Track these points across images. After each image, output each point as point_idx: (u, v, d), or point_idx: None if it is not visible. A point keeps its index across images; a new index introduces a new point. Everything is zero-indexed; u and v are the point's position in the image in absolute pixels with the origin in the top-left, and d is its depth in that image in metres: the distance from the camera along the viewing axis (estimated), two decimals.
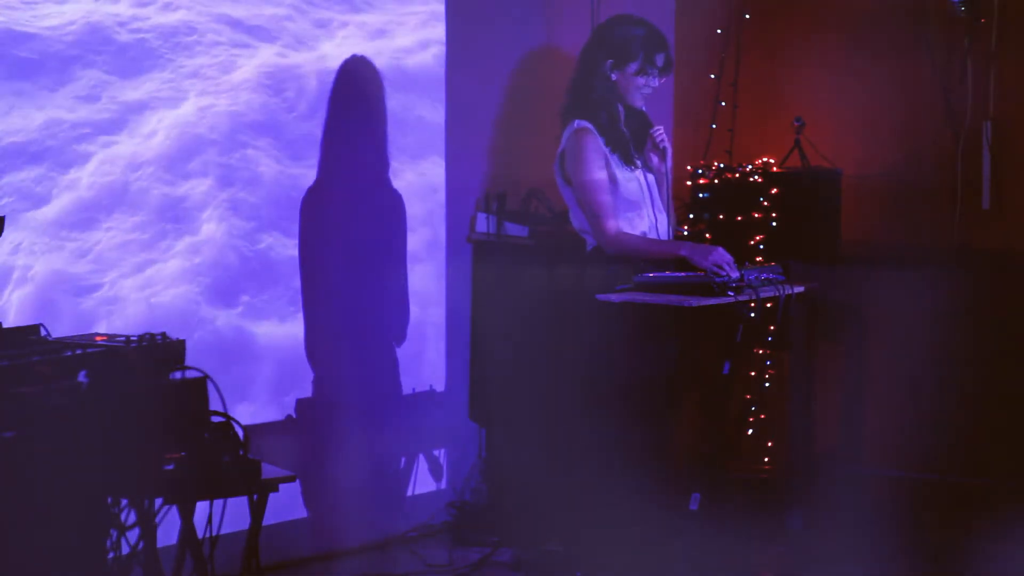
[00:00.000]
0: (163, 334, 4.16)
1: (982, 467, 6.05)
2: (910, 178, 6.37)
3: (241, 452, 4.22)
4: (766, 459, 6.52)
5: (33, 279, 4.90)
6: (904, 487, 6.09)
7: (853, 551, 5.60)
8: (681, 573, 5.11)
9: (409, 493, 6.03)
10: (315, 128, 5.67)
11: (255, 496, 4.32)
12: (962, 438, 6.13)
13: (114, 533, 4.10)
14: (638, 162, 5.14)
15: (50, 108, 4.94)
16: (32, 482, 3.81)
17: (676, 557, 5.10)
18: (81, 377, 3.94)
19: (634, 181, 5.10)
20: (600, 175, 5.03)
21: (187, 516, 4.23)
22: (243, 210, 5.46)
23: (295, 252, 5.61)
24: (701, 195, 6.14)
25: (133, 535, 4.16)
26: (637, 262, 4.99)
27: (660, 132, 5.13)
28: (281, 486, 4.33)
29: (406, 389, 6.00)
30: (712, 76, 6.67)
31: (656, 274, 4.93)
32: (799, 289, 5.20)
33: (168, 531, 4.33)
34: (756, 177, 6.11)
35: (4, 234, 4.48)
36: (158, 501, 4.18)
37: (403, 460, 6.04)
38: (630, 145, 5.14)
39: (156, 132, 5.22)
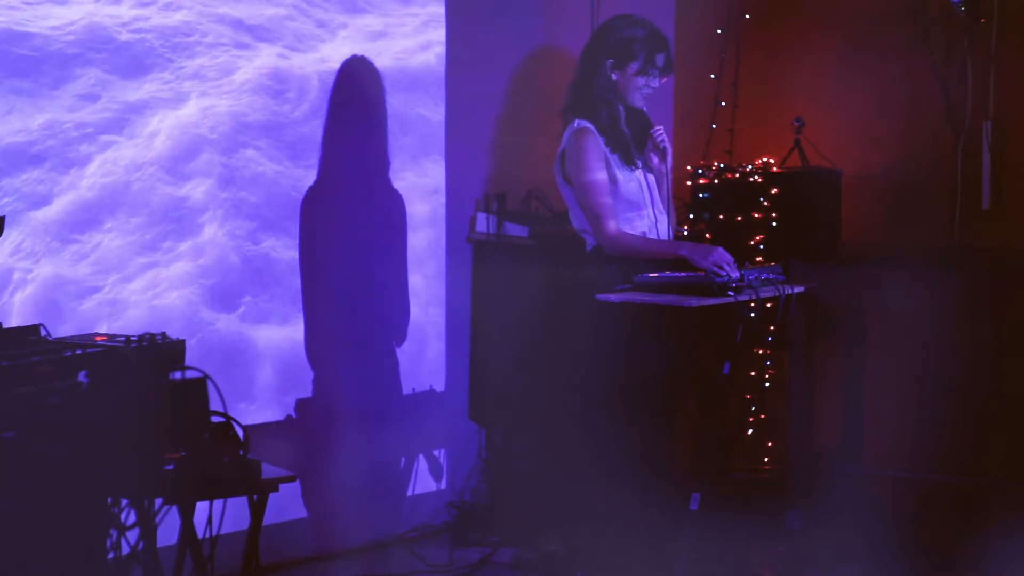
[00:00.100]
0: (163, 334, 4.16)
1: (982, 467, 6.05)
2: (910, 178, 6.38)
3: (241, 452, 4.22)
4: (766, 459, 6.53)
5: (34, 281, 4.90)
6: (904, 487, 6.09)
7: (853, 551, 5.60)
8: (681, 573, 5.11)
9: (409, 493, 6.04)
10: (316, 128, 5.67)
11: (255, 496, 4.32)
12: (962, 438, 6.13)
13: (114, 533, 4.10)
14: (638, 162, 5.14)
15: (51, 108, 4.95)
16: (32, 482, 3.81)
17: (676, 557, 5.11)
18: (81, 377, 3.95)
19: (634, 181, 5.10)
20: (600, 175, 5.04)
21: (187, 516, 4.23)
22: (244, 211, 5.46)
23: (296, 252, 5.61)
24: (701, 195, 6.15)
25: (133, 535, 4.16)
26: (637, 262, 4.99)
27: (660, 132, 5.14)
28: (281, 486, 4.33)
29: (406, 389, 6.00)
30: (712, 76, 6.68)
31: (656, 274, 4.93)
32: (799, 289, 5.21)
33: (168, 531, 4.34)
34: (756, 177, 6.12)
35: (5, 235, 4.49)
36: (158, 501, 4.19)
37: (403, 460, 6.04)
38: (631, 145, 5.14)
39: (157, 133, 5.22)
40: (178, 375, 4.17)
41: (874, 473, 6.21)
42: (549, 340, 5.83)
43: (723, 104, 6.67)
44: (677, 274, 4.92)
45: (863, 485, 6.13)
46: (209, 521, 4.26)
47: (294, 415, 5.63)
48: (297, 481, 4.84)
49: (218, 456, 4.18)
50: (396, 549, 5.86)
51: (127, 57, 5.13)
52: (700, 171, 6.19)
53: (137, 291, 5.16)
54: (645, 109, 5.18)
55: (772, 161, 6.26)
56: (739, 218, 6.10)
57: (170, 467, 4.14)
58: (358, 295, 5.81)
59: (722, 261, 4.92)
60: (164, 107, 5.24)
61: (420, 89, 6.04)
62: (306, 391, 5.66)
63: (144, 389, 4.05)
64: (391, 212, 5.93)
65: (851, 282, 6.01)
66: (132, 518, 4.16)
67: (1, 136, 4.82)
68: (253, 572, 4.41)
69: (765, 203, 6.09)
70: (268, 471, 4.33)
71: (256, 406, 5.49)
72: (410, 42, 6.00)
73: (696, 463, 5.43)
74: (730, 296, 4.88)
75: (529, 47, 6.37)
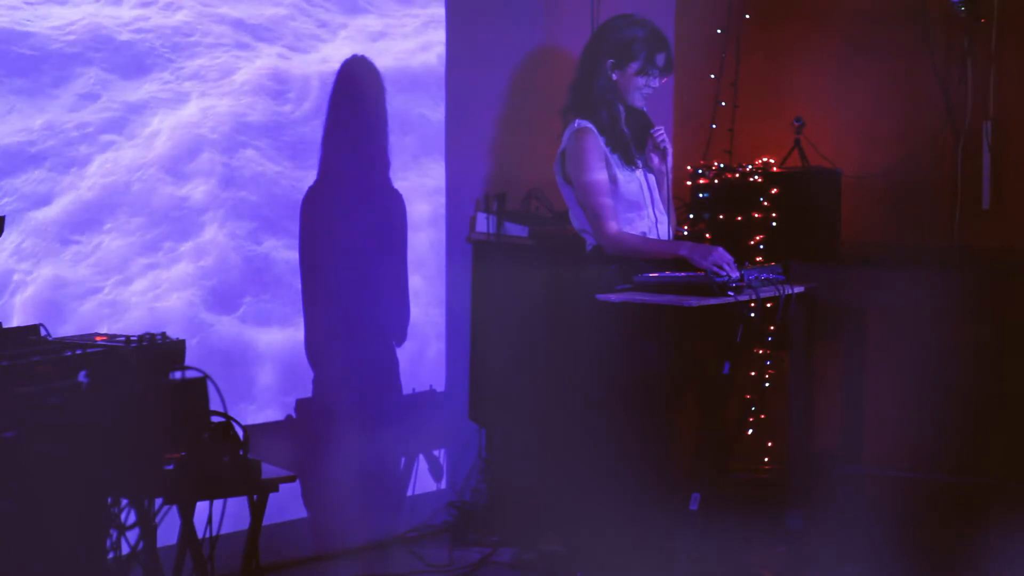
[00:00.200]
0: (163, 334, 4.16)
1: (982, 467, 6.05)
2: (910, 178, 6.38)
3: (241, 452, 4.22)
4: (766, 459, 6.53)
5: (34, 282, 4.90)
6: (904, 487, 6.09)
7: (853, 551, 5.60)
8: (681, 573, 5.11)
9: (409, 493, 6.04)
10: (316, 128, 5.67)
11: (255, 496, 4.32)
12: (962, 438, 6.13)
13: (114, 533, 4.10)
14: (639, 162, 5.14)
15: (51, 108, 4.95)
16: (32, 482, 3.81)
17: (676, 557, 5.10)
18: (81, 377, 3.95)
19: (635, 181, 5.10)
20: (601, 176, 5.04)
21: (187, 516, 4.23)
22: (245, 211, 5.46)
23: (296, 253, 5.61)
24: (701, 195, 6.15)
25: (133, 535, 4.16)
26: (637, 262, 4.99)
27: (661, 132, 5.14)
28: (281, 486, 4.33)
29: (406, 389, 6.00)
30: (712, 76, 6.68)
31: (656, 274, 4.93)
32: (799, 289, 5.21)
33: (168, 531, 4.34)
34: (756, 177, 6.12)
35: (5, 235, 4.49)
36: (158, 501, 4.19)
37: (403, 460, 6.04)
38: (631, 145, 5.14)
39: (157, 133, 5.22)
40: (178, 375, 4.17)
41: (874, 473, 6.21)
42: (549, 340, 5.83)
43: (723, 104, 6.67)
44: (677, 274, 4.92)
45: (863, 485, 6.13)
46: (209, 521, 4.26)
47: (294, 415, 5.63)
48: (297, 481, 4.84)
49: (218, 456, 4.19)
50: (396, 549, 5.86)
51: (127, 57, 5.14)
52: (700, 171, 6.19)
53: (138, 292, 5.16)
54: (645, 109, 5.18)
55: (772, 161, 6.26)
56: (739, 218, 6.10)
57: (170, 467, 4.14)
58: (358, 295, 5.81)
59: (722, 261, 4.92)
60: (164, 107, 5.24)
61: (420, 89, 6.04)
62: (306, 391, 5.66)
63: (144, 389, 4.05)
64: (391, 212, 5.93)
65: (851, 282, 6.01)
66: (132, 518, 4.16)
67: (1, 136, 4.82)
68: (253, 572, 4.41)
69: (765, 203, 6.09)
70: (268, 471, 4.33)
71: (256, 406, 5.49)
72: (410, 42, 6.00)
73: (696, 463, 5.43)
74: (730, 296, 4.88)
75: (529, 47, 6.37)
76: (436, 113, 6.10)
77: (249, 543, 4.37)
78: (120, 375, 4.01)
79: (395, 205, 5.94)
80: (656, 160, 5.15)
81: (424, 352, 6.09)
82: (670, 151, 5.16)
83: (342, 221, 5.74)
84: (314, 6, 5.68)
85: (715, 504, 5.25)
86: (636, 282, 4.93)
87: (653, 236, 5.11)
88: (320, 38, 5.70)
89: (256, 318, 5.49)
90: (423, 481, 6.10)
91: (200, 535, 4.25)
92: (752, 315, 5.25)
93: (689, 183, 6.19)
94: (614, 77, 5.11)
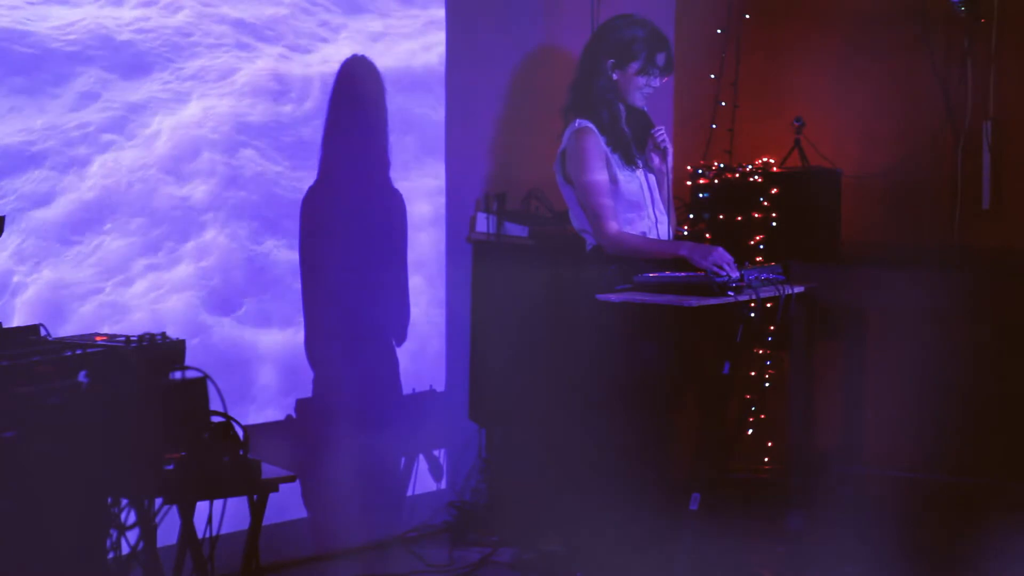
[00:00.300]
0: (163, 334, 4.16)
1: (982, 467, 6.05)
2: (910, 178, 6.38)
3: (241, 452, 4.22)
4: (766, 459, 6.53)
5: (35, 283, 4.90)
6: (904, 487, 6.09)
7: (853, 551, 5.60)
8: (681, 573, 5.11)
9: (409, 493, 6.04)
10: (316, 129, 5.67)
11: (255, 496, 4.33)
12: (962, 438, 6.13)
13: (114, 533, 4.10)
14: (639, 162, 5.15)
15: (52, 108, 4.95)
16: (32, 482, 3.81)
17: (676, 557, 5.11)
18: (81, 377, 3.95)
19: (635, 181, 5.10)
20: (601, 176, 5.04)
21: (187, 516, 4.23)
22: (245, 211, 5.46)
23: (296, 253, 5.61)
24: (701, 195, 6.15)
25: (133, 535, 4.16)
26: (637, 262, 4.99)
27: (661, 132, 5.14)
28: (281, 486, 4.34)
29: (406, 389, 6.00)
30: (712, 76, 6.68)
31: (656, 274, 4.93)
32: (799, 289, 5.21)
33: (168, 531, 4.34)
34: (756, 177, 6.12)
35: (5, 235, 4.49)
36: (158, 501, 4.18)
37: (403, 460, 6.04)
38: (631, 145, 5.14)
39: (158, 133, 5.23)
40: (178, 375, 4.17)
41: (874, 473, 6.21)
42: (549, 340, 5.83)
43: (723, 104, 6.68)
44: (677, 274, 4.92)
45: (863, 485, 6.13)
46: (209, 521, 4.27)
47: (294, 415, 5.63)
48: (297, 481, 4.84)
49: (218, 456, 4.19)
50: (396, 549, 5.86)
51: (128, 57, 5.14)
52: (700, 171, 6.19)
53: (138, 293, 5.16)
54: (646, 109, 5.18)
55: (772, 161, 6.26)
56: (739, 218, 6.10)
57: (170, 467, 4.14)
58: (358, 295, 5.81)
59: (722, 261, 4.92)
60: (165, 107, 5.24)
61: (421, 89, 6.04)
62: (306, 391, 5.67)
63: (144, 389, 4.05)
64: (391, 212, 5.94)
65: (851, 282, 6.01)
66: (132, 518, 4.16)
67: (1, 136, 4.82)
68: (253, 572, 4.42)
69: (765, 203, 6.09)
70: (268, 471, 4.33)
71: (256, 406, 5.49)
72: (411, 43, 6.00)
73: (696, 463, 5.42)
74: (730, 296, 4.88)
75: (529, 47, 6.37)
76: (436, 113, 6.10)
77: (249, 543, 4.38)
78: (120, 375, 4.01)
79: (395, 205, 5.94)
80: (656, 160, 5.16)
81: (424, 352, 6.09)
82: (670, 151, 5.16)
83: (342, 221, 5.75)
84: (315, 6, 5.68)
85: (715, 504, 5.25)
86: (636, 282, 4.93)
87: (653, 236, 5.11)
88: (321, 38, 5.70)
89: (256, 318, 5.49)
90: (423, 481, 6.10)
91: (200, 535, 4.26)
92: (752, 315, 5.25)
93: (689, 183, 6.19)
94: (614, 77, 5.11)
